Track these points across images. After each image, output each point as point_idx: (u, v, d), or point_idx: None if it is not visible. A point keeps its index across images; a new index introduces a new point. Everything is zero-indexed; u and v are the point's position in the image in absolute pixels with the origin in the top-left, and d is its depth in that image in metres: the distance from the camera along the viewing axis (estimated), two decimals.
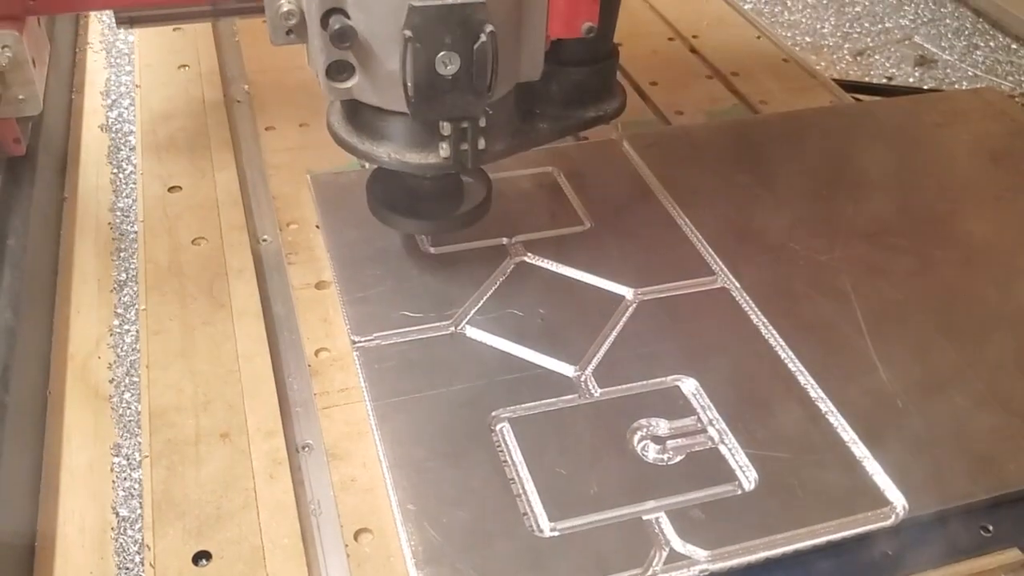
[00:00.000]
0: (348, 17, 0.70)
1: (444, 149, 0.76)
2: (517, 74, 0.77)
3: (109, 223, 1.03)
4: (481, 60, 0.69)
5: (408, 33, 0.67)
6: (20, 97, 0.91)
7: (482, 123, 0.75)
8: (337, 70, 0.73)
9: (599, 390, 0.79)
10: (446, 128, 0.74)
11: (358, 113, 0.79)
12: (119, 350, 0.88)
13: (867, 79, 1.54)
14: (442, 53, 0.68)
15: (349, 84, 0.74)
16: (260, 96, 1.18)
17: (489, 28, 0.68)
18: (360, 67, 0.73)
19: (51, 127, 1.13)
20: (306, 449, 0.76)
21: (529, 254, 0.93)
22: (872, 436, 0.76)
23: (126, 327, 0.91)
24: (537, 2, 0.73)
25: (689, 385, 0.80)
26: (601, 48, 0.86)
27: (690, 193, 1.02)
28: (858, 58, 1.59)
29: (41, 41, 0.97)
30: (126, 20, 0.95)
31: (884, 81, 1.53)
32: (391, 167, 0.79)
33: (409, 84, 0.70)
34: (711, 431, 0.77)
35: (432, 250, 0.93)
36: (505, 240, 0.95)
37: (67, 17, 1.35)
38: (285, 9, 0.72)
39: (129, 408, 0.83)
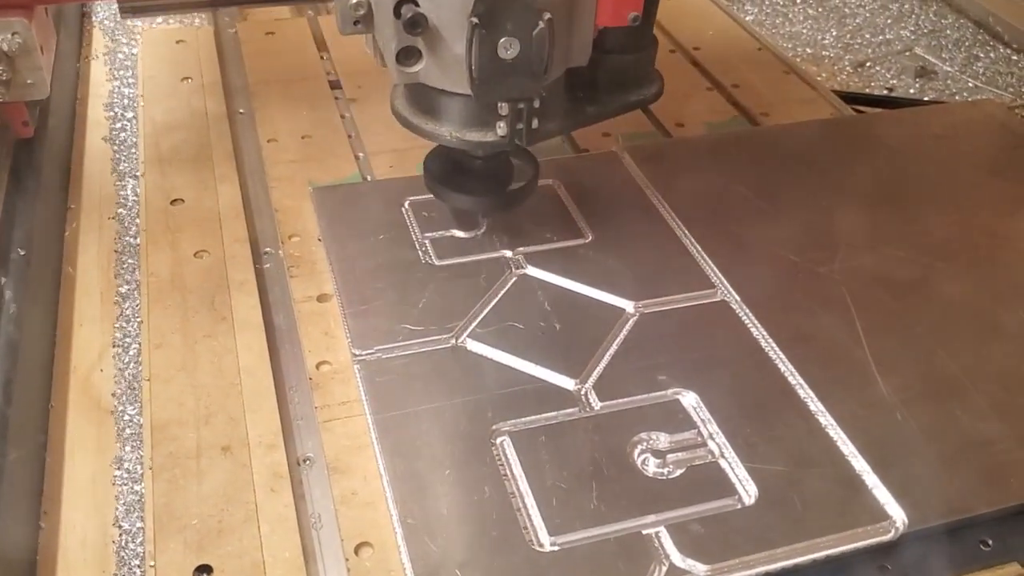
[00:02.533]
0: (418, 5, 0.76)
1: (502, 128, 0.83)
2: (568, 60, 0.83)
3: (112, 235, 1.03)
4: (539, 45, 0.76)
5: (474, 20, 0.74)
6: (28, 81, 0.95)
7: (536, 104, 0.81)
8: (406, 55, 0.80)
9: (599, 403, 0.80)
10: (504, 108, 0.81)
11: (421, 96, 0.86)
12: (121, 363, 0.89)
13: (868, 90, 1.54)
14: (504, 38, 0.76)
15: (417, 68, 0.81)
16: (262, 108, 1.19)
17: (547, 15, 0.75)
18: (427, 52, 0.80)
19: (55, 138, 1.13)
20: (307, 463, 0.76)
21: (530, 267, 0.94)
22: (872, 450, 0.76)
23: (128, 340, 0.91)
24: None
25: (689, 399, 0.80)
26: (643, 37, 0.92)
27: (690, 205, 1.02)
28: (859, 69, 1.60)
29: (48, 29, 1.01)
30: (129, 10, 0.97)
31: (885, 92, 1.54)
32: (452, 145, 0.87)
33: (473, 67, 0.76)
34: (711, 445, 0.77)
35: (434, 263, 0.93)
36: (506, 253, 0.95)
37: (71, 28, 1.36)
38: (355, 0, 0.78)
39: (131, 421, 0.83)
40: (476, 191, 0.94)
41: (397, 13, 0.76)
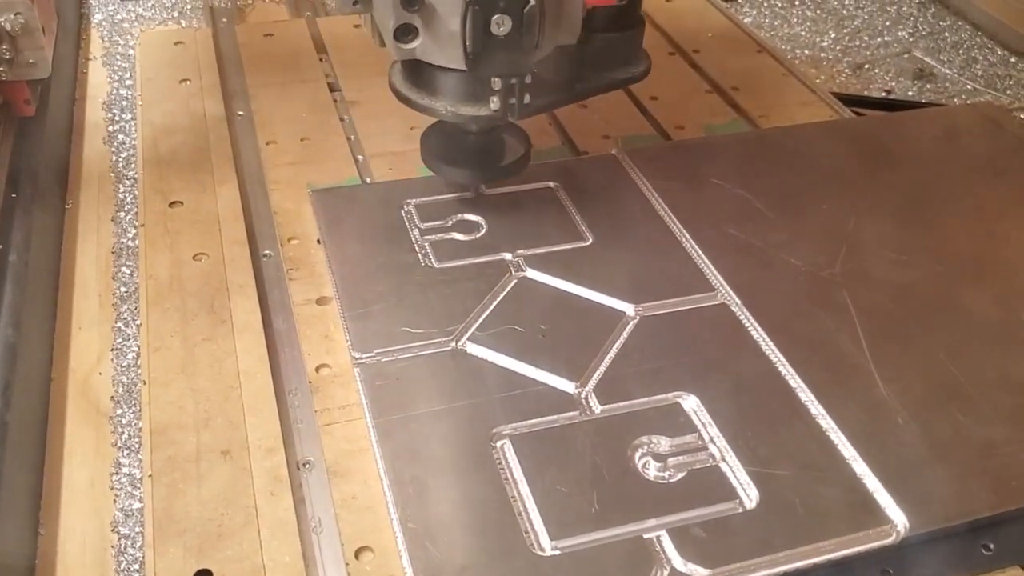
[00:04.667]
0: None
1: (495, 102, 0.86)
2: (557, 37, 0.87)
3: (110, 238, 1.03)
4: (530, 21, 0.80)
5: None
6: (31, 61, 0.98)
7: (528, 80, 0.85)
8: (403, 32, 0.84)
9: (600, 407, 0.80)
10: (497, 83, 0.85)
11: (418, 72, 0.90)
12: (120, 366, 0.88)
13: (866, 92, 1.54)
14: (496, 15, 0.79)
15: (413, 45, 0.85)
16: (261, 111, 1.19)
17: None
18: (423, 29, 0.84)
19: (53, 141, 1.13)
20: (307, 466, 0.76)
21: (530, 270, 0.93)
22: (873, 453, 0.76)
23: (127, 343, 0.91)
24: None
25: (690, 402, 0.80)
26: (630, 16, 0.96)
27: (690, 208, 1.02)
28: (857, 71, 1.60)
29: (50, 10, 1.05)
30: None
31: (883, 95, 1.54)
32: (447, 119, 0.91)
33: (467, 43, 0.80)
34: (712, 448, 0.77)
35: (434, 265, 0.93)
36: (506, 256, 0.95)
37: (69, 30, 1.36)
38: None
39: (130, 425, 0.83)
40: (470, 164, 0.98)
41: None
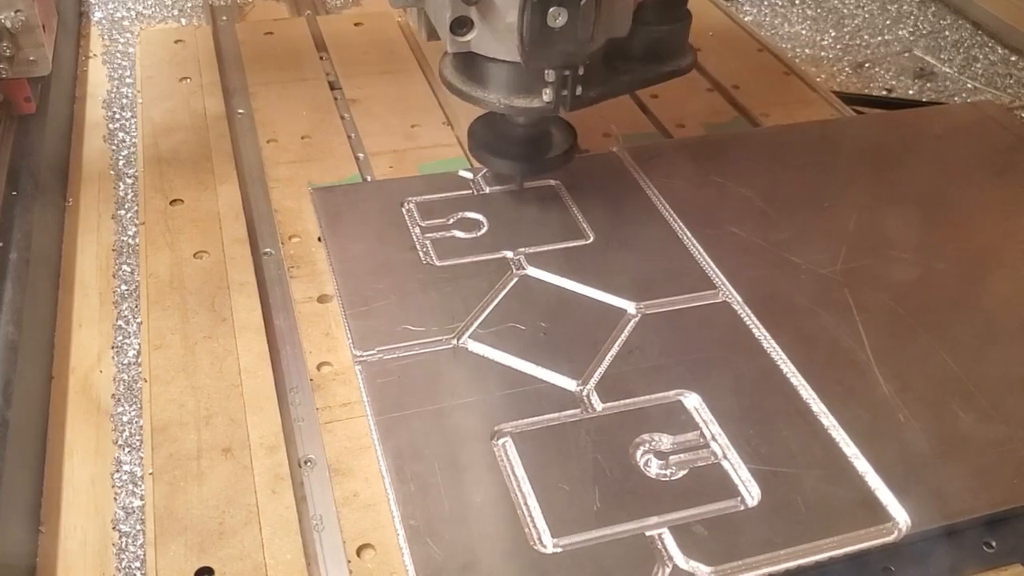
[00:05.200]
0: None
1: (547, 94, 0.87)
2: (609, 30, 0.88)
3: (111, 236, 1.03)
4: (586, 13, 0.81)
5: None
6: (31, 58, 0.98)
7: (580, 72, 0.86)
8: (459, 24, 0.85)
9: (601, 405, 0.79)
10: (550, 75, 0.86)
11: (470, 64, 0.91)
12: (121, 364, 0.88)
13: (867, 91, 1.54)
14: (553, 8, 0.80)
15: (469, 37, 0.86)
16: (262, 109, 1.18)
17: None
18: (479, 21, 0.85)
19: (53, 139, 1.13)
20: (308, 464, 0.76)
21: (531, 268, 0.93)
22: (874, 451, 0.76)
23: (128, 341, 0.90)
24: None
25: (692, 400, 0.80)
26: (678, 10, 0.98)
27: (691, 206, 1.02)
28: (858, 70, 1.60)
29: (50, 8, 1.05)
30: None
31: (884, 93, 1.53)
32: (500, 111, 0.93)
33: (525, 35, 0.81)
34: (714, 446, 0.76)
35: (435, 263, 0.93)
36: (507, 253, 0.95)
37: (69, 28, 1.35)
38: None
39: (131, 423, 0.83)
40: (518, 156, 1.00)
41: None
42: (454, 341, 0.85)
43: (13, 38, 0.96)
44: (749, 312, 0.89)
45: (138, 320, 0.92)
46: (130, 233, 1.03)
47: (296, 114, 1.18)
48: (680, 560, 0.68)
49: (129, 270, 0.98)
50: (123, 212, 1.06)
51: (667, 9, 0.96)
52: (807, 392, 0.81)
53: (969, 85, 1.57)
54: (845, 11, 1.78)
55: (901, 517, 0.71)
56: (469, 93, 0.92)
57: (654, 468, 0.75)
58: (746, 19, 1.67)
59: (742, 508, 0.72)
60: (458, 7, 0.83)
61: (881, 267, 0.96)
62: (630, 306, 0.89)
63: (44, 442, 0.80)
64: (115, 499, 0.77)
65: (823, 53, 1.64)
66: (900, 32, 1.72)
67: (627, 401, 0.80)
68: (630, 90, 1.00)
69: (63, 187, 1.09)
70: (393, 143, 1.14)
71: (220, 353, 0.85)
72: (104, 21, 1.44)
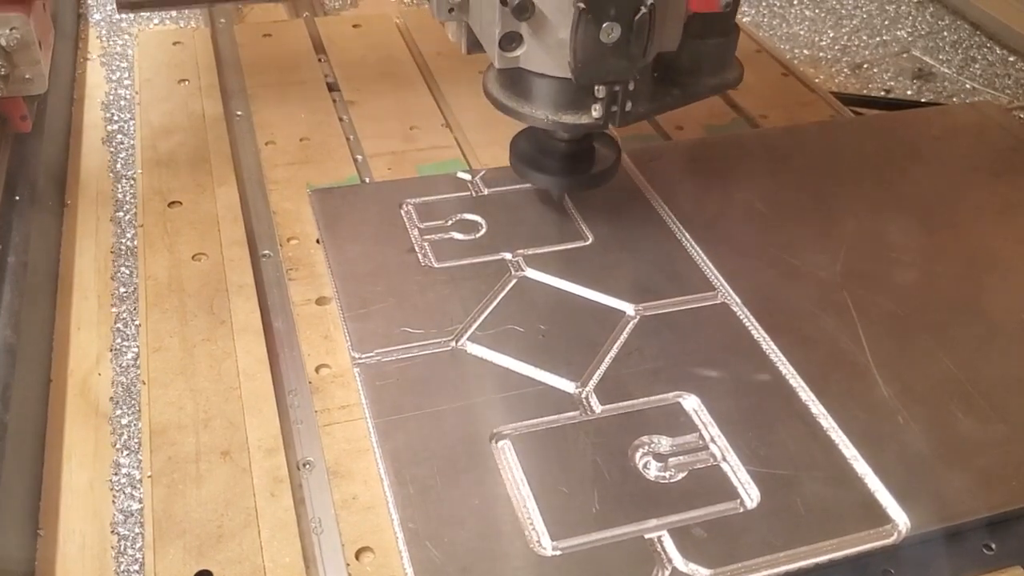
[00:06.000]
0: None
1: (597, 110, 0.85)
2: (660, 44, 0.85)
3: (109, 238, 1.03)
4: (640, 29, 0.79)
5: (581, 5, 0.76)
6: (27, 76, 0.95)
7: (631, 86, 0.84)
8: (508, 40, 0.82)
9: (600, 407, 0.79)
10: (600, 91, 0.84)
11: (516, 79, 0.88)
12: (119, 367, 0.88)
13: (865, 92, 1.54)
14: (607, 23, 0.78)
15: (518, 53, 0.84)
16: (260, 111, 1.18)
17: (650, 1, 0.78)
18: (529, 37, 0.83)
19: (51, 141, 1.13)
20: (307, 467, 0.76)
21: (530, 269, 0.93)
22: (874, 453, 0.76)
23: (126, 344, 0.90)
24: None
25: (691, 402, 0.80)
26: (727, 22, 0.95)
27: (690, 208, 1.02)
28: (856, 71, 1.60)
29: (46, 24, 1.01)
30: (127, 5, 0.97)
31: (882, 94, 1.53)
32: (548, 127, 0.90)
33: (577, 51, 0.78)
34: (713, 448, 0.76)
35: (433, 265, 0.93)
36: (506, 255, 0.95)
37: (68, 30, 1.35)
38: None
39: (129, 426, 0.82)
40: (561, 171, 0.97)
41: None
42: (453, 343, 0.85)
43: (8, 56, 0.94)
44: (748, 314, 0.89)
45: (136, 323, 0.92)
46: (128, 235, 1.03)
47: (294, 116, 1.18)
48: (679, 562, 0.68)
49: (128, 272, 0.98)
50: (121, 214, 1.06)
51: (715, 22, 0.93)
52: (806, 394, 0.81)
53: (967, 86, 1.57)
54: (843, 12, 1.78)
55: (901, 519, 0.71)
56: (515, 109, 0.89)
57: (653, 470, 0.74)
58: (744, 20, 1.67)
59: (741, 510, 0.72)
60: (508, 22, 0.81)
61: (880, 269, 0.96)
62: (629, 308, 0.89)
63: (42, 445, 0.80)
64: (113, 502, 0.77)
65: (821, 54, 1.64)
66: (898, 33, 1.72)
67: (626, 403, 0.80)
68: (679, 105, 0.96)
69: (61, 189, 1.09)
70: (391, 145, 1.14)
71: (219, 356, 0.85)
72: (102, 23, 1.44)
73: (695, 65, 0.94)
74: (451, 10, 0.86)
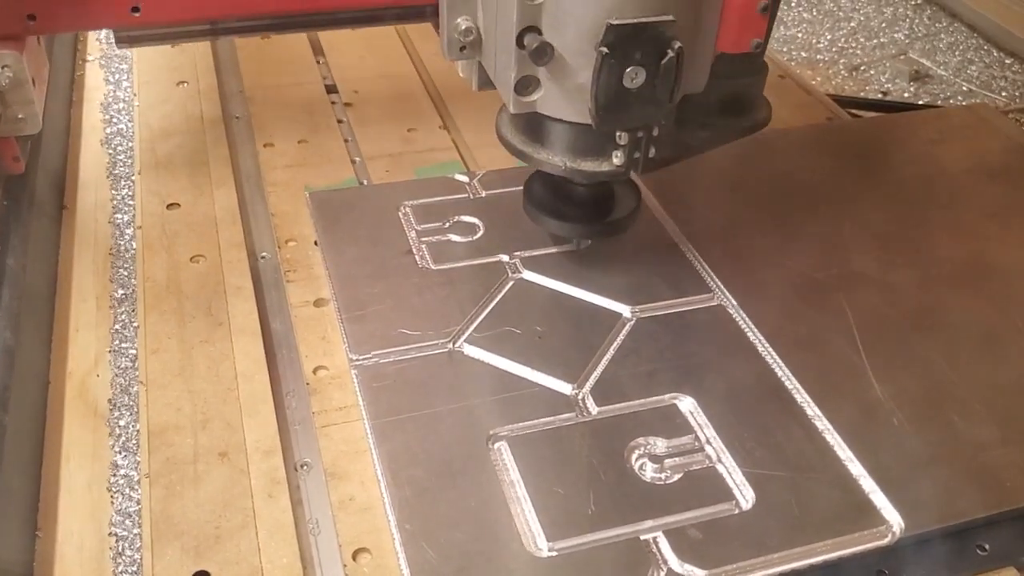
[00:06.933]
0: (541, 33, 0.73)
1: (618, 157, 0.80)
2: (687, 87, 0.80)
3: (108, 240, 1.03)
4: (667, 74, 0.73)
5: (604, 49, 0.71)
6: (20, 116, 0.91)
7: (655, 132, 0.79)
8: (524, 84, 0.77)
9: (596, 408, 0.80)
10: (623, 138, 0.79)
11: (532, 123, 0.83)
12: (118, 368, 0.88)
13: (862, 94, 1.54)
14: (630, 67, 0.72)
15: (535, 97, 0.78)
16: (259, 113, 1.19)
17: (678, 44, 0.72)
18: (547, 81, 0.77)
19: (50, 143, 1.13)
20: (305, 468, 0.76)
21: (527, 271, 0.94)
22: (869, 454, 0.76)
23: (124, 345, 0.91)
24: (713, 19, 0.76)
25: (687, 403, 0.80)
26: (756, 62, 0.89)
27: (687, 210, 1.03)
28: (853, 73, 1.60)
29: (40, 60, 0.97)
30: (126, 40, 0.94)
31: (879, 96, 1.54)
32: (566, 175, 0.84)
33: (599, 97, 0.73)
34: (709, 450, 0.77)
35: (431, 267, 0.93)
36: (503, 257, 0.95)
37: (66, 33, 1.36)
38: (464, 27, 0.78)
39: (128, 427, 0.83)
40: (578, 218, 0.92)
41: (520, 42, 0.73)
42: (450, 345, 0.85)
43: (1, 96, 0.88)
44: (744, 316, 0.89)
45: (135, 324, 0.92)
46: (127, 237, 1.03)
47: (293, 118, 1.18)
48: (675, 563, 0.68)
49: (126, 274, 0.99)
50: (120, 216, 1.07)
51: (745, 61, 0.85)
52: (801, 395, 0.81)
53: (964, 88, 1.57)
54: (841, 14, 1.78)
55: (895, 520, 0.72)
56: (531, 155, 0.84)
57: (649, 472, 0.75)
58: None
59: (736, 511, 0.72)
60: (525, 66, 0.75)
61: (876, 271, 0.96)
62: (625, 310, 0.90)
63: (41, 446, 0.80)
64: (112, 503, 0.77)
65: (819, 56, 1.64)
66: (896, 35, 1.72)
67: (622, 405, 0.80)
68: (706, 149, 0.90)
69: (60, 191, 1.10)
70: (389, 147, 1.14)
71: (217, 357, 0.85)
72: None
73: (723, 105, 0.88)
74: (463, 49, 0.80)
